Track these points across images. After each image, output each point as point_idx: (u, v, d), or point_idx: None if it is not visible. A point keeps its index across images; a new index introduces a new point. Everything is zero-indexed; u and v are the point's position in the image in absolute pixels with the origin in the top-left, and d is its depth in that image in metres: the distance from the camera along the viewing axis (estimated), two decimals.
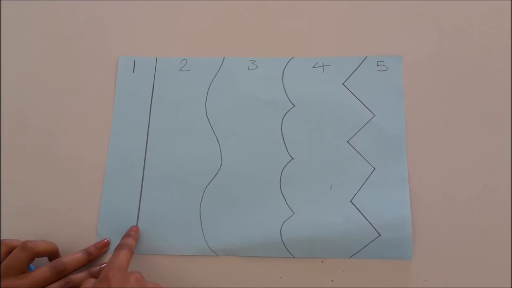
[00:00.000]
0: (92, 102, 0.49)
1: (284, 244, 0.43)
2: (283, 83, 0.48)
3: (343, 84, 0.47)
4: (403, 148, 0.45)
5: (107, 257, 0.44)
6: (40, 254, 0.41)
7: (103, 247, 0.44)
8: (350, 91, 0.47)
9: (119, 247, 0.41)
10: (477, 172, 0.44)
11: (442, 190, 0.44)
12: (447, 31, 0.48)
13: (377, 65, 0.48)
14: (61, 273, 0.40)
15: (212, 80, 0.49)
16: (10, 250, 0.40)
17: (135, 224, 0.45)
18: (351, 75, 0.47)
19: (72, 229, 0.45)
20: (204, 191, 0.45)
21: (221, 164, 0.46)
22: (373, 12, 0.50)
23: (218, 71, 0.49)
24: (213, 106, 0.48)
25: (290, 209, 0.44)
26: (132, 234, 0.44)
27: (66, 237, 0.44)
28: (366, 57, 0.48)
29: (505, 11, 0.48)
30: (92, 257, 0.43)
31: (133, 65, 0.50)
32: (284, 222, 0.44)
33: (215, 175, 0.45)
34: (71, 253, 0.42)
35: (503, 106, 0.46)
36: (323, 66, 0.48)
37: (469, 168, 0.44)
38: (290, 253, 0.43)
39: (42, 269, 0.40)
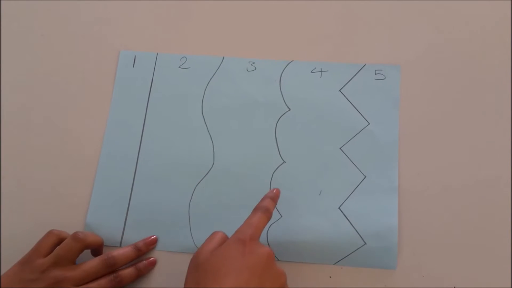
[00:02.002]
0: (91, 95, 0.49)
1: (270, 247, 0.43)
2: (280, 86, 0.48)
3: (339, 90, 0.47)
4: (395, 157, 0.45)
5: (153, 253, 0.44)
6: (89, 246, 0.41)
7: (151, 244, 0.44)
8: (346, 98, 0.47)
9: (257, 209, 0.38)
10: (470, 184, 0.44)
11: (433, 200, 0.44)
12: (448, 41, 0.48)
13: (375, 74, 0.47)
14: (111, 267, 0.41)
15: (211, 79, 0.49)
16: (60, 241, 0.41)
17: (124, 217, 0.45)
18: (348, 82, 0.47)
19: (61, 219, 0.45)
20: (195, 189, 0.45)
21: (213, 163, 0.46)
22: (374, 19, 0.49)
23: (217, 70, 0.49)
24: (209, 105, 0.48)
25: (278, 212, 0.44)
26: (272, 195, 0.40)
27: (54, 227, 0.44)
28: (365, 65, 0.48)
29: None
30: (141, 253, 0.43)
31: (133, 60, 0.50)
32: (271, 225, 0.44)
33: (207, 173, 0.46)
34: (121, 248, 0.43)
35: (500, 117, 0.45)
36: (321, 71, 0.48)
37: (462, 179, 0.44)
38: (275, 256, 0.43)
39: (93, 262, 0.40)
